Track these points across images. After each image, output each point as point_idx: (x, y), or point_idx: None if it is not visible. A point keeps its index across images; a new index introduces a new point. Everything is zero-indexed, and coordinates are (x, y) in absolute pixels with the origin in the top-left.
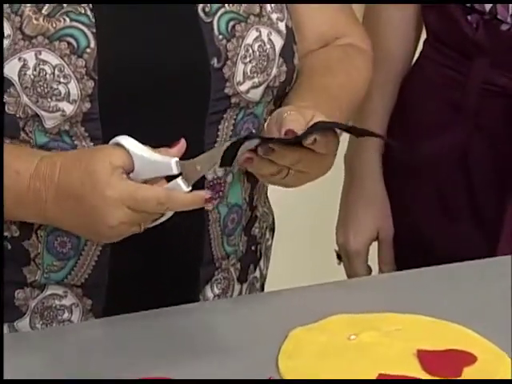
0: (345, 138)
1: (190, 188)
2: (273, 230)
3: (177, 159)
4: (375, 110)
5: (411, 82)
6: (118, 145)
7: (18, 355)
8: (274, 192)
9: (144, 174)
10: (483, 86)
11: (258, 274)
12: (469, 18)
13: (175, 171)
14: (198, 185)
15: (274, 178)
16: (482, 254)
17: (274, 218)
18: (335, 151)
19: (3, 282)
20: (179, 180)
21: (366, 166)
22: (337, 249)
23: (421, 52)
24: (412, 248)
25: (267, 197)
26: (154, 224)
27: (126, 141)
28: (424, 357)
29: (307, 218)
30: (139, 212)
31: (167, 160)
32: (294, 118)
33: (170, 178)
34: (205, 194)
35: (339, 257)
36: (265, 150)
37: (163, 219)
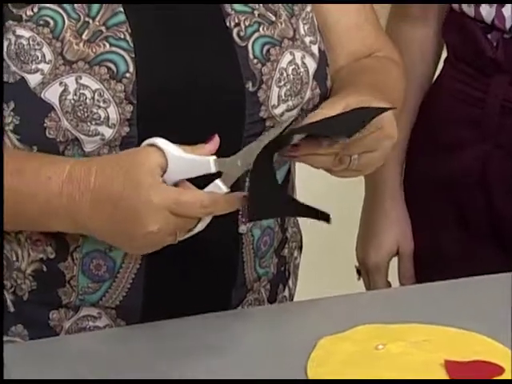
0: None
1: (229, 189)
2: (301, 248)
3: (215, 157)
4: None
5: (432, 100)
6: (152, 146)
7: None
8: None
9: (179, 175)
10: (503, 103)
11: (287, 293)
12: (488, 36)
13: (213, 169)
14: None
15: (341, 170)
16: (502, 269)
17: (301, 237)
18: (391, 124)
19: (3, 282)
20: (218, 181)
21: (386, 183)
22: (357, 264)
23: (441, 70)
24: (432, 263)
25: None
26: (188, 235)
27: (161, 142)
28: (451, 367)
29: (327, 234)
30: (180, 217)
31: (205, 158)
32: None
33: (202, 181)
34: (240, 193)
35: (359, 272)
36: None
37: (197, 230)
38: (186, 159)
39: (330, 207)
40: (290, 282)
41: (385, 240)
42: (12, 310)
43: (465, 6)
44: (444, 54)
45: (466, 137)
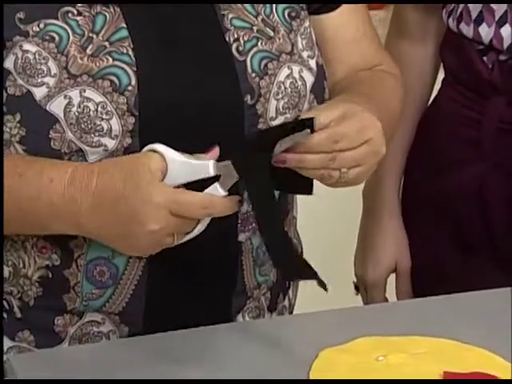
0: None
1: (227, 193)
2: None
3: (214, 161)
4: (394, 146)
5: (430, 120)
6: (153, 151)
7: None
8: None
9: (179, 178)
10: (499, 124)
11: (286, 303)
12: (484, 58)
13: (212, 173)
14: (232, 215)
15: (330, 178)
16: (498, 286)
17: (302, 249)
18: (378, 134)
19: (3, 282)
20: (217, 185)
21: (384, 200)
22: (355, 280)
23: (439, 90)
24: (429, 279)
25: (296, 228)
26: (186, 238)
27: (161, 147)
28: (450, 378)
29: (326, 248)
30: (180, 217)
31: (204, 162)
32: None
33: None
34: (237, 197)
35: (357, 288)
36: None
37: (194, 233)
38: (185, 163)
39: (329, 223)
40: (290, 292)
41: (383, 257)
42: (19, 315)
43: (463, 27)
44: (441, 75)
45: (463, 156)
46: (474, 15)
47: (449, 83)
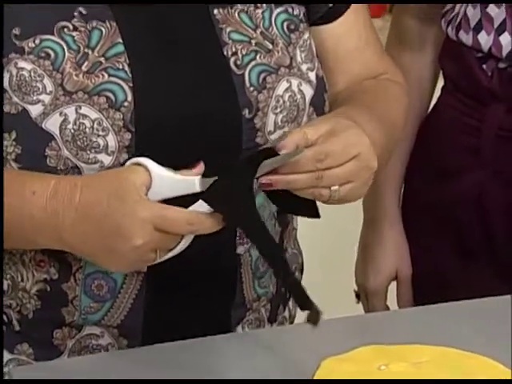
0: None
1: (213, 209)
2: (301, 270)
3: (200, 177)
4: (393, 159)
5: (429, 127)
6: (137, 165)
7: None
8: None
9: (163, 193)
10: (499, 132)
11: (287, 314)
12: (484, 66)
13: (198, 189)
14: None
15: (321, 197)
16: (499, 293)
17: (302, 260)
18: (365, 150)
19: (3, 281)
20: (202, 202)
21: (384, 208)
22: (356, 288)
23: (438, 98)
24: (430, 287)
25: (296, 239)
26: (169, 255)
27: (145, 160)
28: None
29: (325, 257)
30: (164, 233)
31: (191, 178)
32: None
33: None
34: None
35: (358, 296)
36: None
37: (178, 250)
38: (170, 178)
39: (329, 231)
40: (291, 304)
41: (383, 265)
42: (18, 328)
43: (462, 35)
44: (441, 82)
45: (463, 164)
46: (472, 23)
47: (448, 91)
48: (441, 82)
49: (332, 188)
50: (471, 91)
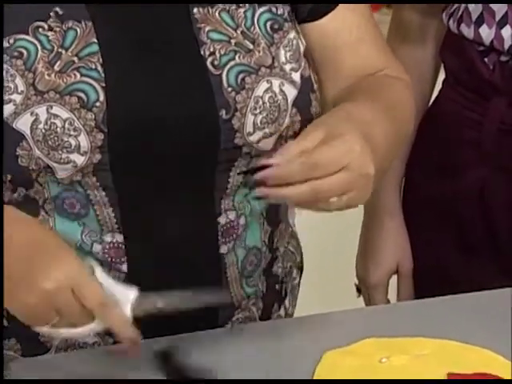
0: None
1: (131, 313)
2: (301, 268)
3: (136, 293)
4: None
5: (430, 121)
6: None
7: None
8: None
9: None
10: (501, 126)
11: (282, 312)
12: (485, 60)
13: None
14: (212, 228)
15: (320, 210)
16: (501, 287)
17: (302, 257)
18: (356, 158)
19: (3, 280)
20: (132, 293)
21: (385, 202)
22: (356, 282)
23: (439, 91)
24: (431, 281)
25: (294, 236)
26: (62, 332)
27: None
28: (454, 379)
29: (326, 251)
30: (78, 301)
31: (128, 291)
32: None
33: None
34: (136, 339)
35: (359, 290)
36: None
37: (78, 332)
38: (111, 284)
39: (329, 225)
40: (287, 302)
41: (384, 259)
42: (6, 324)
43: (464, 28)
44: (441, 76)
45: (464, 158)
46: (474, 16)
47: (449, 84)
48: (442, 76)
49: (330, 200)
50: (473, 85)
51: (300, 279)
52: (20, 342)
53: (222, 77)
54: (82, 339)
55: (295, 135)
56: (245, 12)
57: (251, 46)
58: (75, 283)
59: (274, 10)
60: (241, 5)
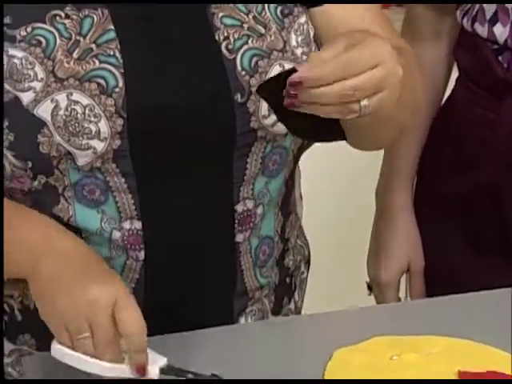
0: (376, 174)
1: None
2: (308, 262)
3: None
4: (406, 146)
5: (443, 119)
6: None
7: None
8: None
9: None
10: None
11: (292, 306)
12: (499, 58)
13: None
14: (229, 216)
15: (351, 113)
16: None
17: (309, 252)
18: (389, 55)
19: (3, 279)
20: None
21: (396, 200)
22: (368, 280)
23: (453, 90)
24: (442, 280)
25: (302, 230)
26: (89, 363)
27: None
28: (465, 377)
29: (337, 249)
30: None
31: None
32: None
33: None
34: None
35: (370, 288)
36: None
37: (98, 364)
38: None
39: (340, 223)
40: (296, 296)
41: (396, 257)
42: (20, 318)
43: (478, 26)
44: (455, 73)
45: (477, 156)
46: (488, 15)
47: (463, 82)
48: (455, 74)
49: (362, 103)
50: (487, 83)
51: (308, 274)
52: (34, 337)
53: (236, 61)
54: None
55: None
56: None
57: (263, 31)
58: (119, 305)
59: None
60: None
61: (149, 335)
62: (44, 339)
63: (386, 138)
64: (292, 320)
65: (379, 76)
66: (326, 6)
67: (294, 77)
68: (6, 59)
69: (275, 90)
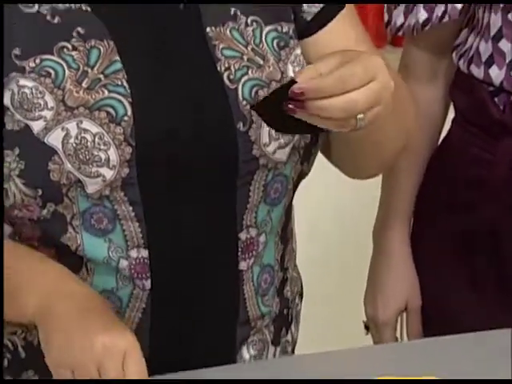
0: (373, 214)
1: None
2: (301, 295)
3: None
4: (402, 186)
5: (439, 160)
6: None
7: None
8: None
9: None
10: (511, 165)
11: (289, 337)
12: (495, 99)
13: None
14: (233, 243)
15: (347, 126)
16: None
17: (302, 285)
18: (382, 69)
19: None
20: None
21: (393, 240)
22: (365, 320)
23: (449, 130)
24: (439, 319)
25: (295, 262)
26: None
27: None
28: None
29: (333, 287)
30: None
31: None
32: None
33: None
34: None
35: (367, 327)
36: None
37: None
38: None
39: (337, 262)
40: (293, 328)
41: (393, 296)
42: (23, 355)
43: (474, 68)
44: (451, 114)
45: (473, 197)
46: (484, 57)
47: (459, 123)
48: (451, 114)
49: (358, 116)
50: (483, 124)
51: (301, 306)
52: (38, 374)
53: (237, 91)
54: None
55: (306, 146)
56: (253, 30)
57: (261, 62)
58: (129, 353)
59: (279, 28)
60: (249, 24)
61: (155, 360)
62: (47, 375)
63: (379, 159)
64: (288, 360)
65: (376, 89)
66: (312, 36)
67: (295, 88)
68: (16, 89)
69: (272, 105)
